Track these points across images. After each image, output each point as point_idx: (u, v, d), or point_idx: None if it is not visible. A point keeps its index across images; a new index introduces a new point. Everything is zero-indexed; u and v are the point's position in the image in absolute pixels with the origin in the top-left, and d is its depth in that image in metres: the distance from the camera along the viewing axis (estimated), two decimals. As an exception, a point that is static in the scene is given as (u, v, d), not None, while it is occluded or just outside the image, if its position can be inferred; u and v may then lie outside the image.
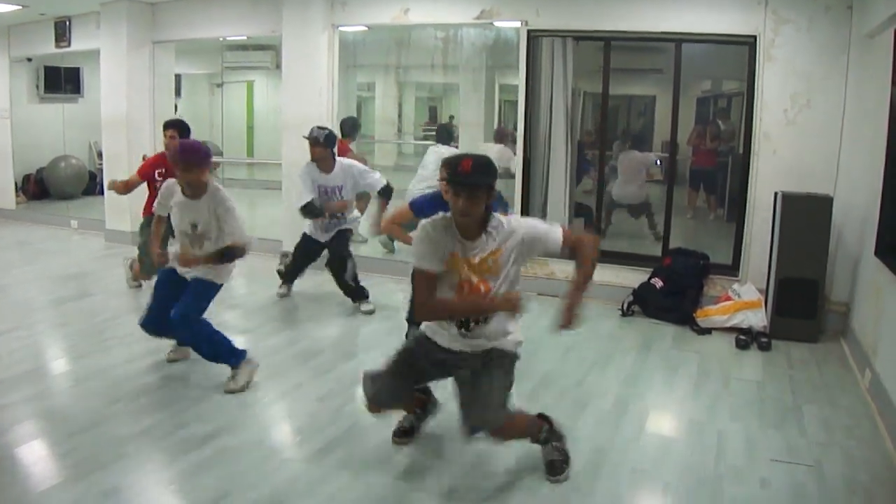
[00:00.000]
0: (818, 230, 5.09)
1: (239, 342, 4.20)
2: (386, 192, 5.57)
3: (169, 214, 4.16)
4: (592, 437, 3.57)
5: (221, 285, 4.19)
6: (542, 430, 3.20)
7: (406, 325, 4.70)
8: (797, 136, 5.47)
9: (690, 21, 5.69)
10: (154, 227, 4.32)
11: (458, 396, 3.07)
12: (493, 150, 7.46)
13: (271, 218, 7.93)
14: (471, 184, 2.79)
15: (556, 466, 3.14)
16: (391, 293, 6.00)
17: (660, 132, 9.19)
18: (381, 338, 5.04)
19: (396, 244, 7.04)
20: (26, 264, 7.11)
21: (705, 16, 5.65)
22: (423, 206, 4.53)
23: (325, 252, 5.76)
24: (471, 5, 6.37)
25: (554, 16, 6.10)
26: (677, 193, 6.65)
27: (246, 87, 12.70)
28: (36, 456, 3.25)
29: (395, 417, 3.47)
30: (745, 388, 4.30)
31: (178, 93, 10.16)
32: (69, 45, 8.64)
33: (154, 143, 7.97)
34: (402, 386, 3.15)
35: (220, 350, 4.07)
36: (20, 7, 7.90)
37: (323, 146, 5.43)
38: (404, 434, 3.44)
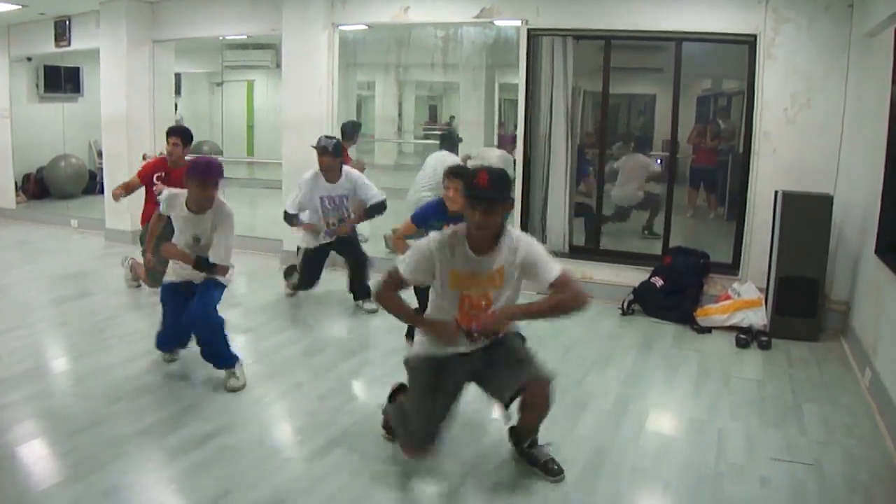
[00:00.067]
0: (818, 229, 5.09)
1: (240, 341, 4.22)
2: (377, 208, 5.60)
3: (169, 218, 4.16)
4: (593, 435, 3.57)
5: (226, 287, 4.22)
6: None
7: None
8: (797, 135, 5.47)
9: (690, 20, 5.69)
10: (152, 224, 4.31)
11: (491, 377, 3.08)
12: (494, 155, 7.48)
13: (271, 217, 7.91)
14: (488, 198, 2.81)
15: (553, 467, 3.14)
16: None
17: (660, 131, 9.18)
18: (381, 336, 5.05)
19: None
20: (26, 264, 7.12)
21: (705, 15, 5.64)
22: (427, 217, 4.60)
23: (325, 253, 5.77)
24: (471, 4, 6.36)
25: (554, 15, 6.10)
26: (677, 192, 6.65)
27: (246, 86, 12.71)
28: (36, 455, 3.25)
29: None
30: (746, 386, 4.31)
31: (178, 92, 10.17)
32: (69, 44, 8.64)
33: (154, 142, 7.97)
34: (444, 422, 3.08)
35: (228, 350, 4.09)
36: (20, 6, 7.90)
37: (331, 156, 5.42)
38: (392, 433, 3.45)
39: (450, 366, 3.07)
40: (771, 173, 5.55)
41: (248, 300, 5.92)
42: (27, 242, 8.18)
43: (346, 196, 5.55)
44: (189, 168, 3.99)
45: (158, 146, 8.04)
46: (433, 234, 2.97)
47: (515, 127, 6.74)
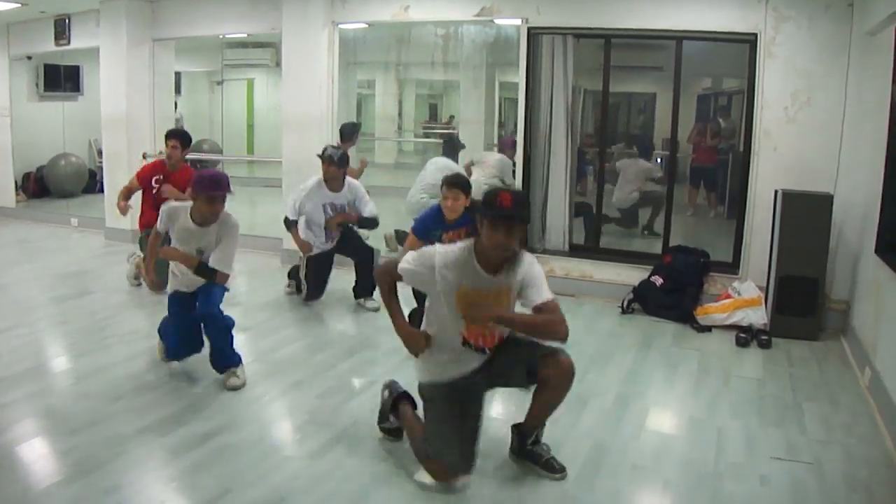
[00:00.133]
0: (818, 228, 5.09)
1: (240, 340, 4.20)
2: (370, 222, 5.64)
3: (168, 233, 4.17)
4: (593, 434, 3.58)
5: (227, 290, 4.25)
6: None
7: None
8: (798, 134, 5.47)
9: (691, 18, 5.69)
10: (151, 244, 4.26)
11: (506, 373, 3.12)
12: (493, 159, 7.53)
13: (271, 216, 7.91)
14: (511, 218, 2.81)
15: (555, 465, 3.15)
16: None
17: (660, 130, 9.17)
18: (382, 335, 5.04)
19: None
20: (26, 262, 7.11)
21: (706, 13, 5.64)
22: (427, 228, 4.67)
23: (330, 259, 5.79)
24: (471, 2, 6.36)
25: (554, 13, 6.10)
26: (677, 191, 6.65)
27: (246, 84, 12.70)
28: (36, 454, 3.25)
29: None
30: (745, 385, 4.31)
31: (178, 91, 10.16)
32: (69, 43, 8.63)
33: (154, 141, 7.97)
34: (476, 442, 3.08)
35: (231, 349, 4.10)
36: (20, 5, 7.89)
37: (337, 166, 5.47)
38: (390, 433, 3.45)
39: (465, 384, 3.08)
40: (771, 172, 5.55)
41: (248, 299, 5.92)
42: (27, 241, 8.18)
43: (346, 206, 5.60)
44: (196, 182, 3.99)
45: (158, 145, 8.03)
46: (441, 251, 2.94)
47: (515, 127, 6.74)
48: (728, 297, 5.47)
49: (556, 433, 3.41)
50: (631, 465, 3.28)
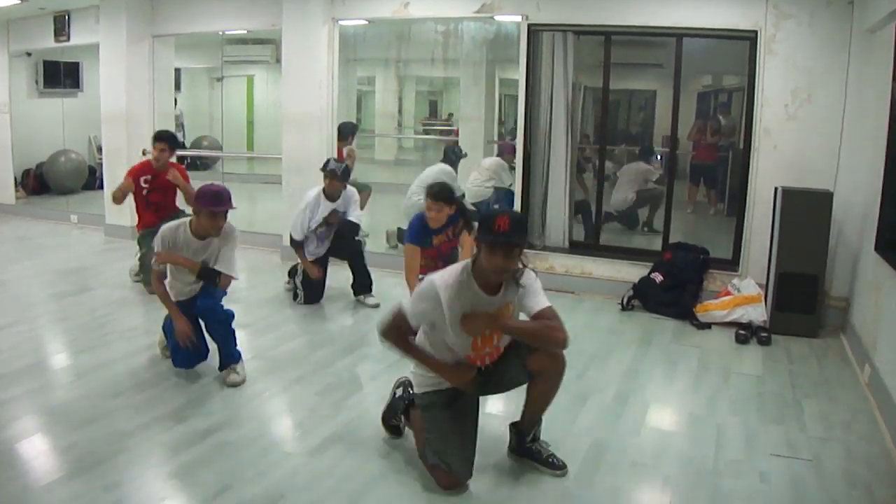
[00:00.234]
0: (818, 225, 5.09)
1: (239, 336, 4.20)
2: (351, 226, 5.65)
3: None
4: (592, 430, 3.58)
5: (225, 294, 4.27)
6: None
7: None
8: (798, 132, 5.46)
9: (691, 15, 5.69)
10: (157, 286, 4.14)
11: (500, 378, 3.13)
12: (489, 162, 7.68)
13: (271, 212, 7.93)
14: (511, 243, 2.80)
15: (556, 462, 3.15)
16: (392, 287, 5.99)
17: (660, 127, 9.17)
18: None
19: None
20: (26, 259, 7.11)
21: (706, 10, 5.64)
22: (419, 235, 4.75)
23: (324, 264, 5.80)
24: (471, -1, 6.36)
25: (554, 10, 6.10)
26: (677, 188, 6.65)
27: (246, 81, 12.67)
28: (37, 451, 3.26)
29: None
30: (745, 382, 4.31)
31: (177, 87, 10.15)
32: (68, 39, 8.63)
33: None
34: (474, 446, 3.09)
35: (233, 345, 4.11)
36: (19, 1, 7.89)
37: (340, 180, 5.53)
38: (393, 430, 3.45)
39: (460, 394, 3.09)
40: (771, 169, 5.55)
41: (248, 295, 5.92)
42: (27, 238, 8.18)
43: (338, 210, 5.64)
44: (198, 197, 4.00)
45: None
46: (440, 281, 2.90)
47: (515, 124, 6.73)
48: (728, 294, 5.47)
49: (556, 430, 3.42)
50: (631, 462, 3.28)
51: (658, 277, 5.75)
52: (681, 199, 7.89)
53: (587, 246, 6.52)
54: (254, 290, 6.12)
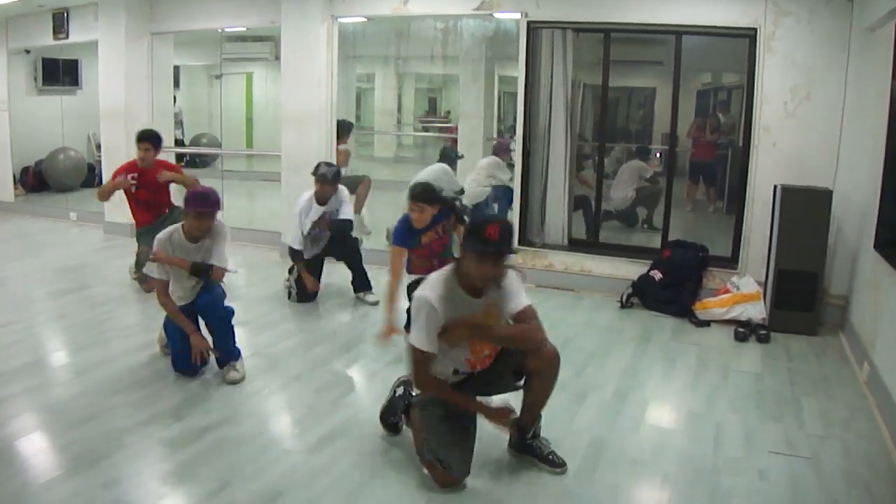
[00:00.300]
0: (817, 223, 5.09)
1: (238, 334, 4.21)
2: (341, 224, 5.63)
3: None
4: (592, 428, 3.58)
5: (226, 294, 4.30)
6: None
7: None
8: (797, 129, 5.46)
9: (690, 13, 5.68)
10: (166, 303, 4.10)
11: (495, 380, 3.14)
12: (484, 162, 7.73)
13: (270, 209, 7.93)
14: (500, 253, 2.81)
15: (556, 459, 3.15)
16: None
17: (660, 124, 9.16)
18: (380, 329, 5.03)
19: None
20: (25, 257, 7.11)
21: (705, 8, 5.64)
22: (404, 237, 4.72)
23: (319, 263, 5.81)
24: (470, -4, 6.35)
25: (554, 7, 6.09)
26: (677, 186, 6.64)
27: (245, 78, 12.66)
28: (36, 448, 3.26)
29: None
30: (744, 380, 4.31)
31: (176, 84, 10.14)
32: (67, 36, 8.62)
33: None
34: (471, 445, 3.09)
35: (232, 342, 4.12)
36: (18, -2, 7.89)
37: (331, 184, 5.52)
38: (391, 428, 3.45)
39: (458, 389, 3.09)
40: (770, 167, 5.54)
41: (247, 293, 5.92)
42: (26, 235, 8.17)
43: (329, 213, 5.64)
44: (187, 199, 4.02)
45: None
46: (430, 292, 2.89)
47: (514, 121, 6.72)
48: (727, 291, 5.48)
49: (555, 428, 3.42)
50: (630, 460, 3.29)
51: (657, 275, 5.75)
52: (680, 197, 7.89)
53: (586, 243, 6.52)
54: (252, 287, 6.12)
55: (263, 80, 12.49)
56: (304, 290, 5.67)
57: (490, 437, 3.32)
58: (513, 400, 3.26)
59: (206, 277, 4.08)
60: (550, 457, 3.16)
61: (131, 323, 5.04)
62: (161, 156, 5.94)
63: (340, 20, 6.99)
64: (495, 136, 9.84)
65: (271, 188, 7.97)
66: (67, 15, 8.48)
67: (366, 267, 5.78)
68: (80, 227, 8.65)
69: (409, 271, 4.89)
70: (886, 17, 4.27)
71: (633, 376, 4.34)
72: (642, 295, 5.76)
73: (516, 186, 6.49)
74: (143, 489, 2.94)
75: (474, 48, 9.39)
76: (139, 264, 5.67)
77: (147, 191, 5.72)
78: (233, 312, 4.13)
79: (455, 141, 9.88)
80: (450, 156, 7.50)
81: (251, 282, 6.28)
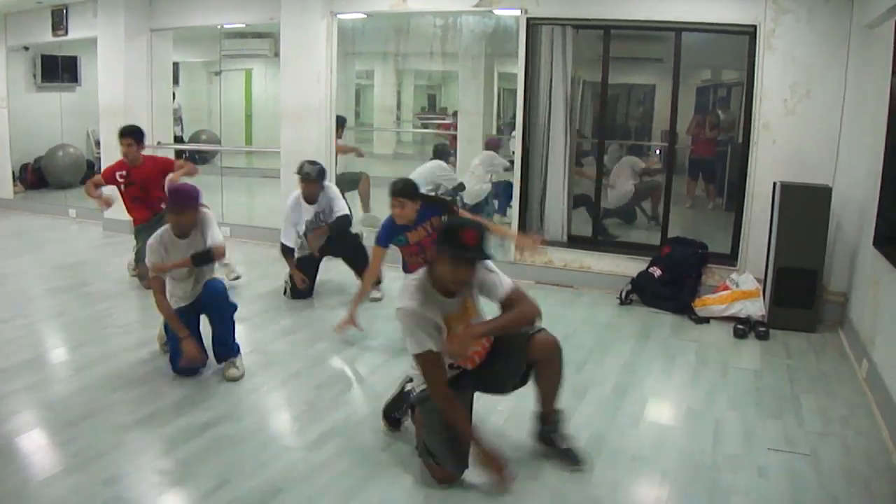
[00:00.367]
0: (817, 220, 5.09)
1: (238, 330, 4.21)
2: (339, 223, 5.58)
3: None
4: (591, 424, 3.58)
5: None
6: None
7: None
8: (796, 127, 5.46)
9: (690, 10, 5.67)
10: (159, 298, 4.06)
11: (493, 376, 3.15)
12: (478, 160, 7.83)
13: (270, 206, 7.92)
14: (475, 258, 2.83)
15: (573, 455, 3.16)
16: (394, 281, 5.98)
17: (659, 121, 9.16)
18: (379, 325, 5.05)
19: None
20: (25, 254, 7.11)
21: (705, 5, 5.63)
22: (387, 236, 4.74)
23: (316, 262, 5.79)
24: (470, -7, 6.34)
25: (553, 4, 6.08)
26: (676, 183, 6.64)
27: (244, 75, 12.66)
28: (36, 445, 3.26)
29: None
30: (743, 377, 4.32)
31: (175, 81, 10.13)
32: (66, 33, 8.61)
33: (152, 132, 7.94)
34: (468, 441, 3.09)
35: (232, 338, 4.12)
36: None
37: (315, 182, 5.48)
38: (392, 424, 3.46)
39: (454, 385, 3.08)
40: (770, 164, 5.54)
41: (246, 289, 5.92)
42: (25, 232, 8.17)
43: (322, 211, 5.61)
44: (167, 195, 4.06)
45: (156, 136, 8.05)
46: (409, 299, 2.89)
47: (514, 118, 6.72)
48: (726, 288, 5.48)
49: (555, 424, 3.43)
50: (629, 456, 3.29)
51: (656, 272, 5.75)
52: (679, 194, 7.88)
53: (586, 240, 6.51)
54: (252, 283, 6.12)
55: (263, 77, 12.49)
56: (298, 290, 5.66)
57: (489, 432, 3.32)
58: (514, 396, 3.26)
59: (210, 261, 4.10)
60: (568, 452, 3.17)
61: (131, 319, 5.04)
62: (161, 153, 5.95)
63: (340, 16, 6.98)
64: (494, 133, 9.85)
65: (271, 185, 7.97)
66: (66, 11, 8.47)
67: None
68: (80, 224, 8.65)
69: (406, 270, 4.89)
70: (886, 15, 4.27)
71: (633, 373, 4.34)
72: (642, 292, 5.76)
73: (516, 183, 6.49)
74: (143, 486, 2.94)
75: (474, 45, 9.38)
76: (138, 261, 5.67)
77: (136, 187, 5.73)
78: (235, 308, 4.14)
79: (454, 137, 9.89)
80: (444, 152, 7.51)
81: (251, 279, 6.28)
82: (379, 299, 5.58)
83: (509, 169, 7.83)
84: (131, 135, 5.72)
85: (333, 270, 5.89)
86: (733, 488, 3.03)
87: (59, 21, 8.56)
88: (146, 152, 6.04)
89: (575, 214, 6.71)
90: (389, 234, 4.74)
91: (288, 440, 3.43)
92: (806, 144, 5.44)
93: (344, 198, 5.77)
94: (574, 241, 6.48)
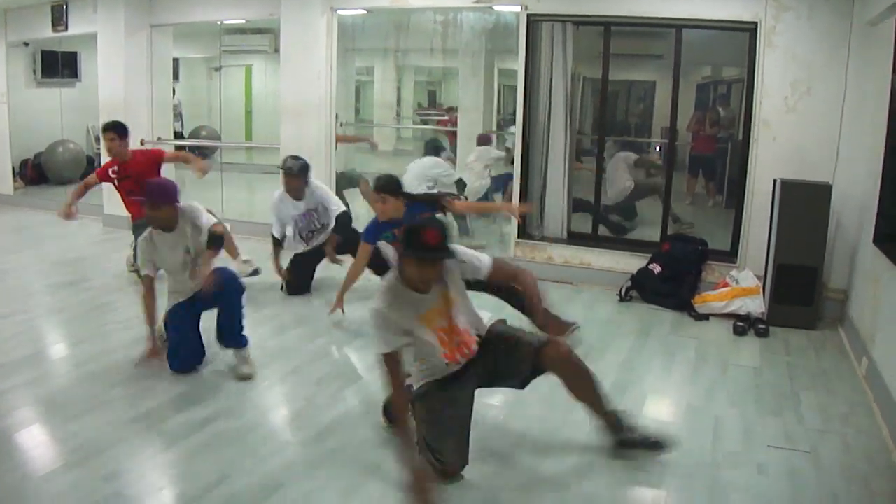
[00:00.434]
0: (817, 217, 5.09)
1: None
2: (341, 224, 5.58)
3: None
4: (590, 421, 3.58)
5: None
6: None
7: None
8: (797, 124, 5.46)
9: (691, 7, 5.67)
10: (146, 298, 4.10)
11: (497, 373, 3.15)
12: (473, 156, 7.90)
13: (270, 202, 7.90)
14: (438, 258, 2.85)
15: (654, 441, 3.19)
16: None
17: (659, 118, 9.16)
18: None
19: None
20: (25, 249, 7.11)
21: (706, 2, 5.62)
22: (375, 233, 4.76)
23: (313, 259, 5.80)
24: (470, -11, 6.33)
25: (554, 0, 6.07)
26: (676, 179, 6.63)
27: (244, 71, 12.64)
28: (36, 440, 3.27)
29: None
30: (743, 374, 4.32)
31: (175, 77, 10.12)
32: (66, 29, 8.60)
33: (152, 128, 7.96)
34: (467, 435, 3.07)
35: (241, 325, 4.12)
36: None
37: (297, 177, 5.47)
38: (392, 420, 3.45)
39: (456, 379, 3.09)
40: (770, 161, 5.54)
41: (246, 285, 5.89)
42: (25, 228, 8.17)
43: (314, 210, 5.61)
44: (144, 191, 4.06)
45: (156, 132, 8.04)
46: (379, 303, 2.90)
47: (514, 115, 6.71)
48: (726, 285, 5.48)
49: (553, 420, 3.43)
50: (628, 453, 3.29)
51: (656, 268, 5.75)
52: (679, 191, 7.87)
53: (586, 237, 6.51)
54: (251, 279, 6.10)
55: (263, 73, 12.47)
56: (293, 283, 5.66)
57: (489, 428, 3.33)
58: (514, 391, 3.26)
59: (218, 241, 4.12)
60: (645, 442, 3.18)
61: (130, 315, 5.03)
62: (160, 148, 5.94)
63: (340, 12, 6.97)
64: (494, 129, 9.85)
65: (270, 181, 7.93)
66: (66, 7, 8.46)
67: None
68: (80, 220, 8.59)
69: None
70: (887, 13, 4.27)
71: (632, 370, 4.34)
72: (641, 288, 5.76)
73: (516, 181, 6.48)
74: (143, 481, 2.95)
75: (474, 41, 9.37)
76: (136, 257, 5.67)
77: (129, 181, 5.72)
78: (243, 289, 4.15)
79: (454, 134, 9.89)
80: (436, 147, 7.51)
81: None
82: None
83: (502, 158, 7.87)
84: (113, 129, 5.71)
85: (332, 267, 5.88)
86: (733, 485, 3.03)
87: (59, 17, 8.55)
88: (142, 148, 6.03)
89: (578, 215, 6.70)
90: (374, 231, 4.75)
91: (287, 436, 3.43)
92: (806, 142, 5.44)
93: (343, 196, 5.76)
94: (574, 238, 6.48)
